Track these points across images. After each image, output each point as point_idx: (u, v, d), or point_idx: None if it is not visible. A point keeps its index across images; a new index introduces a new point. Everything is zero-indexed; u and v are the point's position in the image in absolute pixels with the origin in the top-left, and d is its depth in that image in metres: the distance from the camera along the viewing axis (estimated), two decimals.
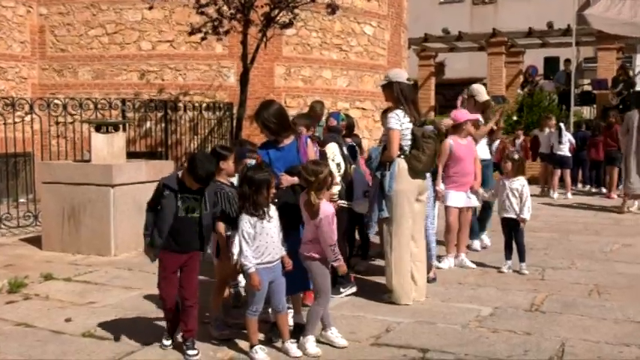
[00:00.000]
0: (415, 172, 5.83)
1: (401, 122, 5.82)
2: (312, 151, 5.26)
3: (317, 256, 4.64)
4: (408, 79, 6.00)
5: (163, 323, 4.99)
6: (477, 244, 8.24)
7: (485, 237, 8.49)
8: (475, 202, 7.53)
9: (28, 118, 9.56)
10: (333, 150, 6.30)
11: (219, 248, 5.15)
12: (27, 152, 11.39)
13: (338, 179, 6.07)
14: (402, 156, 5.84)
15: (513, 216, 7.13)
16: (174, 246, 4.52)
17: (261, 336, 4.70)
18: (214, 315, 5.04)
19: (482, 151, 8.09)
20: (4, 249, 8.20)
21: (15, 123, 9.24)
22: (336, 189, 5.95)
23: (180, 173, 4.56)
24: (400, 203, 5.85)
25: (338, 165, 6.23)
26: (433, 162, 6.04)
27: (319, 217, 4.54)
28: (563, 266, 7.45)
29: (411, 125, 5.85)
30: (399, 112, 5.84)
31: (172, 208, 4.45)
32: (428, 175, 6.14)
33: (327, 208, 4.58)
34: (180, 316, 4.63)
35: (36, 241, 8.40)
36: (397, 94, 5.90)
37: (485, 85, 22.18)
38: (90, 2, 13.18)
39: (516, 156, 7.29)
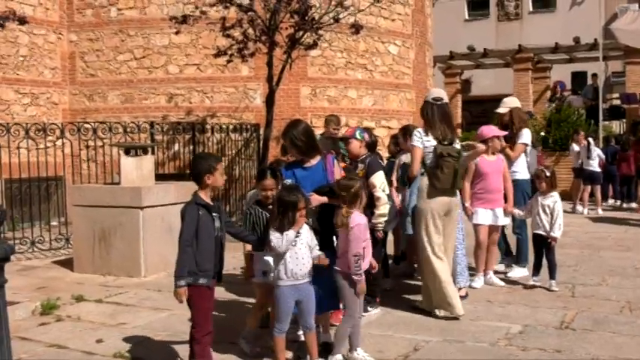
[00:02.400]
0: (437, 190, 5.85)
1: (423, 140, 5.91)
2: (338, 171, 5.29)
3: (348, 271, 4.65)
4: (436, 99, 6.07)
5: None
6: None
7: (519, 269, 7.78)
8: (503, 221, 7.32)
9: (59, 142, 9.74)
10: (382, 180, 6.03)
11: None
12: (58, 176, 11.59)
13: (386, 209, 5.98)
14: (424, 173, 5.91)
15: (543, 233, 7.07)
16: (210, 274, 4.32)
17: (289, 354, 4.72)
18: (247, 331, 5.07)
19: (521, 168, 7.87)
20: (36, 271, 8.33)
21: (47, 147, 9.42)
22: (382, 219, 5.96)
23: (199, 193, 4.38)
24: (424, 220, 5.92)
25: (388, 196, 6.12)
26: (454, 180, 5.97)
27: (351, 226, 4.57)
28: (594, 283, 7.36)
29: (434, 143, 5.89)
30: (421, 130, 6.00)
31: (210, 230, 4.30)
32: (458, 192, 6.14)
33: (358, 218, 4.63)
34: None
35: (67, 264, 8.53)
36: (423, 112, 6.09)
37: None
38: (118, 28, 13.43)
39: (548, 172, 7.21)
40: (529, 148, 7.96)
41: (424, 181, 5.98)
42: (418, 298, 6.68)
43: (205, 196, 4.37)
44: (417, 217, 6.09)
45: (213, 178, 4.36)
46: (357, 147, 6.36)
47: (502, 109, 7.94)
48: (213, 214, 4.35)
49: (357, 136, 6.34)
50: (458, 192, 6.18)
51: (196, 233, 4.25)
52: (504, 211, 7.22)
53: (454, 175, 5.92)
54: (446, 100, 6.21)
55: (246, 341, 5.02)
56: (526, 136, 7.74)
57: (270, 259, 4.62)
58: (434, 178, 5.89)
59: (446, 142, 5.94)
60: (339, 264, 4.70)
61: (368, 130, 7.18)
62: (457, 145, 6.08)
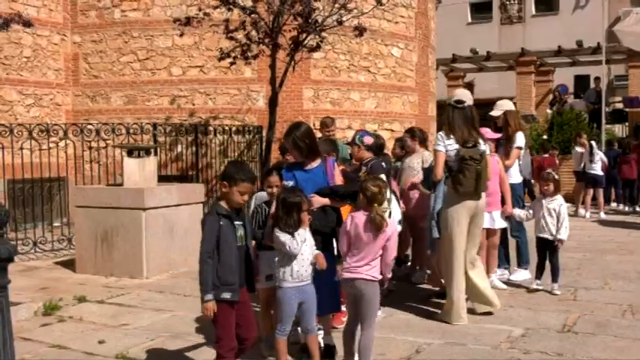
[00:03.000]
0: (459, 193, 5.87)
1: (445, 144, 5.94)
2: (338, 175, 5.28)
3: (379, 277, 4.53)
4: (458, 102, 6.10)
5: (193, 344, 5.05)
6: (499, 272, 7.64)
7: (522, 272, 7.80)
8: (500, 224, 7.24)
9: (62, 143, 9.77)
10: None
11: None
12: (61, 177, 11.60)
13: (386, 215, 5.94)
14: (447, 177, 5.97)
15: (549, 237, 7.06)
16: (235, 287, 4.14)
17: (291, 358, 4.72)
18: (265, 335, 5.07)
19: (514, 172, 7.84)
20: (39, 272, 8.34)
21: (50, 148, 9.44)
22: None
23: (220, 201, 4.25)
24: (449, 224, 5.97)
25: (388, 200, 6.11)
26: (478, 184, 5.89)
27: (388, 231, 4.44)
28: (596, 286, 7.36)
29: (456, 146, 5.91)
30: (442, 134, 6.02)
31: (231, 241, 4.12)
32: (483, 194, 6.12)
33: (393, 224, 4.60)
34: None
35: (70, 264, 8.54)
36: (444, 116, 6.16)
37: (514, 104, 22.19)
38: (122, 30, 13.45)
39: (556, 175, 7.20)
40: (522, 152, 7.88)
41: (448, 185, 6.01)
42: (420, 301, 6.70)
43: (227, 205, 4.18)
44: (442, 221, 6.12)
45: (230, 190, 4.15)
46: (355, 151, 6.39)
47: (495, 112, 7.91)
48: (236, 222, 4.18)
49: (356, 140, 6.37)
50: (484, 195, 6.15)
51: (217, 245, 4.06)
52: (503, 213, 7.19)
53: (477, 179, 5.86)
54: (469, 102, 6.15)
55: (266, 346, 5.02)
56: (520, 139, 7.69)
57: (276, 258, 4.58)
58: (456, 182, 5.87)
59: (469, 145, 5.91)
60: (364, 271, 4.44)
61: (371, 133, 7.17)
62: (482, 147, 6.01)
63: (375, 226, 4.37)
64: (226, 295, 4.07)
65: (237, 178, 4.16)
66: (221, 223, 4.08)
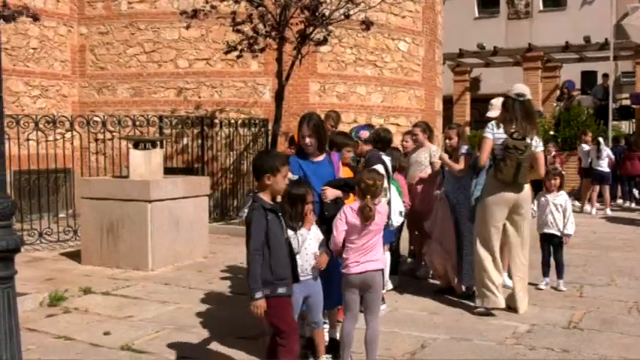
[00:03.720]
0: (499, 182, 5.93)
1: (494, 132, 6.02)
2: (342, 168, 5.26)
3: (382, 266, 4.64)
4: (519, 94, 6.13)
5: (198, 336, 5.06)
6: None
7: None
8: None
9: (68, 135, 9.77)
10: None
11: None
12: (67, 168, 11.61)
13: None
14: (491, 167, 6.09)
15: (556, 232, 7.05)
16: (289, 282, 4.08)
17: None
18: (263, 329, 5.07)
19: None
20: (44, 263, 8.36)
21: (56, 140, 9.45)
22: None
23: (260, 194, 4.10)
24: (481, 213, 6.08)
25: (385, 190, 6.08)
26: (517, 174, 5.88)
27: (380, 221, 4.52)
28: (602, 283, 7.34)
29: (504, 136, 5.96)
30: (493, 123, 6.11)
31: (279, 235, 4.02)
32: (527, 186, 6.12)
33: (382, 209, 4.61)
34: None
35: (75, 256, 8.55)
36: (504, 107, 6.18)
37: None
38: (129, 22, 13.44)
39: (563, 172, 7.21)
40: None
41: (489, 174, 6.10)
42: (425, 296, 6.69)
43: (267, 198, 4.08)
44: (478, 208, 6.20)
45: (274, 179, 4.05)
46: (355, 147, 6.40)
47: (493, 113, 7.76)
48: (280, 216, 4.09)
49: (353, 136, 6.38)
50: (527, 188, 6.14)
51: (267, 240, 3.95)
52: None
53: (517, 168, 5.87)
54: (529, 96, 6.21)
55: (265, 339, 5.01)
56: None
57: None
58: (497, 169, 5.96)
59: (517, 137, 5.92)
60: (371, 262, 4.46)
61: (371, 126, 7.19)
62: (534, 142, 6.02)
63: (363, 217, 4.38)
64: (282, 290, 4.01)
65: (277, 165, 4.08)
66: (268, 217, 3.97)
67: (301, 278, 4.36)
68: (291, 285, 4.10)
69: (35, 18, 8.18)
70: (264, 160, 4.15)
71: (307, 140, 4.99)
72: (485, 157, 6.07)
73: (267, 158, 4.17)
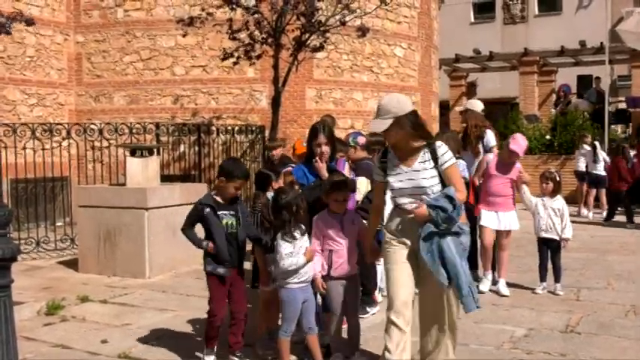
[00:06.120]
0: None
1: None
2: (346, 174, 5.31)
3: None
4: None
5: (195, 344, 5.04)
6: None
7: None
8: (507, 226, 7.11)
9: (65, 143, 9.77)
10: (365, 186, 5.98)
11: (255, 276, 5.26)
12: (64, 176, 11.59)
13: None
14: None
15: (555, 237, 7.05)
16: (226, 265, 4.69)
17: (293, 358, 4.72)
18: (260, 336, 5.10)
19: None
20: (41, 272, 8.35)
21: (53, 148, 9.45)
22: None
23: (213, 192, 4.79)
24: None
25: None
26: None
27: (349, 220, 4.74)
28: (599, 287, 7.35)
29: None
30: None
31: (218, 227, 4.63)
32: None
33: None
34: (230, 330, 4.82)
35: (73, 264, 8.55)
36: None
37: (517, 104, 22.18)
38: (125, 29, 13.46)
39: (558, 176, 7.19)
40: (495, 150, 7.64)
41: None
42: None
43: (219, 198, 4.71)
44: None
45: (226, 185, 4.66)
46: (352, 153, 6.41)
47: (459, 107, 7.72)
48: (221, 212, 4.65)
49: (350, 142, 6.38)
50: None
51: (210, 230, 4.65)
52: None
53: None
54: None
55: (259, 345, 5.04)
56: (492, 139, 7.63)
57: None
58: None
59: None
60: (349, 265, 4.69)
61: (363, 133, 7.19)
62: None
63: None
64: (220, 270, 4.65)
65: (234, 174, 4.66)
66: (206, 210, 4.63)
67: (301, 285, 4.44)
68: (230, 269, 4.68)
69: (29, 22, 8.15)
70: (228, 165, 4.77)
71: (324, 149, 5.02)
72: None
73: (231, 165, 4.76)
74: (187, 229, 4.74)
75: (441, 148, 4.23)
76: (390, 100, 4.23)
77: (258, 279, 5.24)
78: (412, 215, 4.11)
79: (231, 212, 4.68)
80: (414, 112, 4.25)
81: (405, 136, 4.18)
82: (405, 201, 4.20)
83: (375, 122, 4.25)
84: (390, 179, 4.24)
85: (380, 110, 4.19)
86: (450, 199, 4.02)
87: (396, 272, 4.20)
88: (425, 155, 4.21)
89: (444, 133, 7.49)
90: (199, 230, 4.78)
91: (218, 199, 4.71)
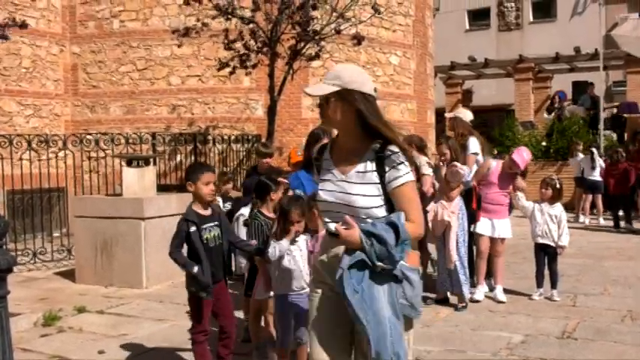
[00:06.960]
0: None
1: None
2: None
3: None
4: None
5: (192, 354, 5.04)
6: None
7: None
8: (502, 234, 7.13)
9: (61, 153, 9.77)
10: None
11: (247, 285, 5.27)
12: (60, 187, 11.63)
13: None
14: None
15: (551, 243, 7.06)
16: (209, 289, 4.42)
17: None
18: (255, 344, 5.10)
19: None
20: (38, 283, 8.34)
21: (49, 159, 9.46)
22: None
23: (191, 203, 4.50)
24: None
25: None
26: None
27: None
28: (596, 292, 7.36)
29: None
30: None
31: (200, 248, 4.39)
32: None
33: None
34: (221, 342, 4.65)
35: (69, 275, 8.54)
36: None
37: (513, 110, 22.22)
38: (121, 40, 13.49)
39: (559, 183, 7.18)
40: (478, 158, 7.56)
41: None
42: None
43: (197, 207, 4.43)
44: None
45: (195, 186, 4.39)
46: None
47: (448, 114, 7.62)
48: (206, 226, 4.41)
49: None
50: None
51: (194, 249, 4.38)
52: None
53: None
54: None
55: (255, 355, 5.05)
56: (474, 145, 7.49)
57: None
58: None
59: None
60: None
61: None
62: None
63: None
64: (203, 295, 4.38)
65: (196, 172, 4.43)
66: (191, 229, 4.35)
67: (297, 295, 4.46)
68: (212, 291, 4.38)
69: (23, 26, 8.10)
70: (188, 169, 4.63)
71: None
72: None
73: (190, 168, 4.66)
74: (175, 251, 4.45)
75: (396, 156, 2.89)
76: (344, 68, 3.07)
77: (252, 288, 5.24)
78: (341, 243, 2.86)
79: (216, 223, 4.49)
80: (373, 97, 2.98)
81: (349, 124, 2.98)
82: (330, 221, 2.99)
83: (315, 85, 3.18)
84: (319, 185, 3.08)
85: (328, 75, 3.04)
86: (395, 228, 2.74)
87: (316, 329, 3.02)
88: (368, 163, 2.94)
89: (448, 139, 7.46)
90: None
91: (198, 210, 4.43)
